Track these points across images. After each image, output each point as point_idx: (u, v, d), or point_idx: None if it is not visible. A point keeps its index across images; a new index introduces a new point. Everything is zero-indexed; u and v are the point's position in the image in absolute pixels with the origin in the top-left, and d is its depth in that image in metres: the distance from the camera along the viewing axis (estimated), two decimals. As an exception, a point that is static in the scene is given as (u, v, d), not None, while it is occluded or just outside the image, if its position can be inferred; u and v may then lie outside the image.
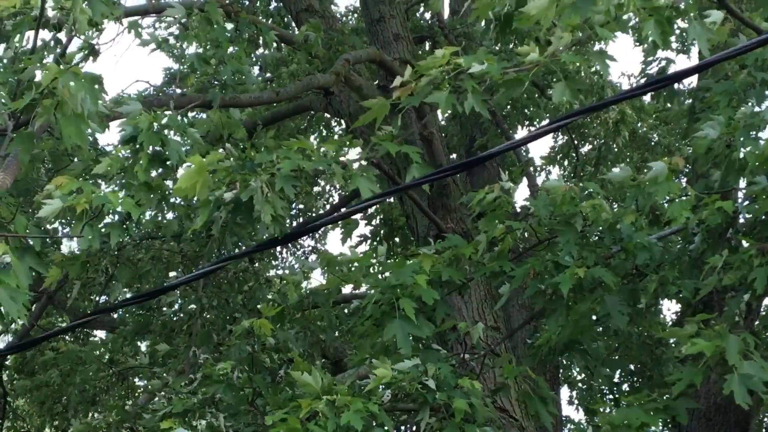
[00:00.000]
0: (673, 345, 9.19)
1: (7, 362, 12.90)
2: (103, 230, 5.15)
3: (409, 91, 5.67)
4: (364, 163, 5.97)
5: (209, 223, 5.81)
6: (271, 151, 5.92)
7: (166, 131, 5.83)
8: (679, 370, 5.63)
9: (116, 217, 5.19)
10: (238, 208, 5.63)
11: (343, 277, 6.92)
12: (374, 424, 5.47)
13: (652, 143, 13.78)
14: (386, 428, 5.48)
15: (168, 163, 5.90)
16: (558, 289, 5.65)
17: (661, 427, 5.89)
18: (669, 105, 13.20)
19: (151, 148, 5.82)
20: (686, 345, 5.33)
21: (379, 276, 6.42)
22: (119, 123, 5.87)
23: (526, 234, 6.58)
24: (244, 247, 10.50)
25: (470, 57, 5.52)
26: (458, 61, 5.56)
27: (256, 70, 12.27)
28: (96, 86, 5.24)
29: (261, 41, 9.16)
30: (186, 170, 5.56)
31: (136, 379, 12.70)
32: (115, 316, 12.94)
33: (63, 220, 12.31)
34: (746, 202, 6.34)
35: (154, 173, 6.06)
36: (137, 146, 5.78)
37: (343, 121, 12.58)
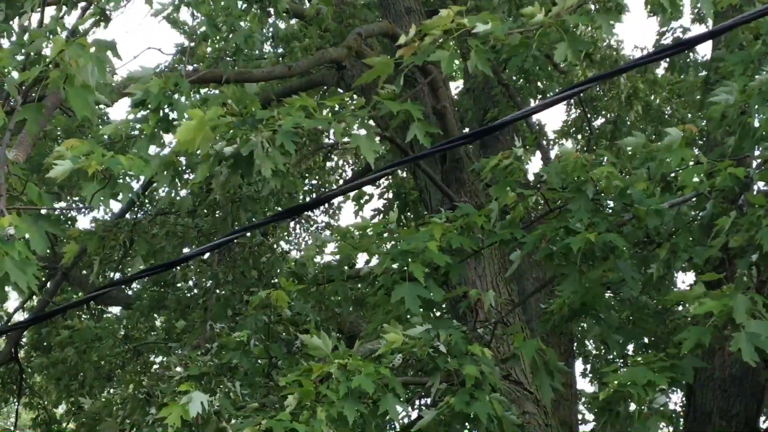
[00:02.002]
0: (684, 313, 9.20)
1: (23, 340, 12.98)
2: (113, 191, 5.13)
3: (412, 50, 5.63)
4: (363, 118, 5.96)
5: (210, 178, 5.81)
6: (273, 108, 5.92)
7: (176, 96, 5.82)
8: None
9: (127, 179, 5.18)
10: (238, 163, 5.64)
11: (355, 245, 6.92)
12: (387, 390, 5.48)
13: (666, 116, 13.72)
14: (397, 392, 5.49)
15: (175, 123, 5.89)
16: (570, 252, 5.64)
17: (671, 390, 5.86)
18: (682, 77, 13.18)
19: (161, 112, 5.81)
20: (694, 306, 5.33)
21: (391, 244, 6.42)
22: (130, 87, 5.87)
23: (538, 201, 6.55)
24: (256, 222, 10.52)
25: (474, 17, 5.48)
26: (462, 21, 5.52)
27: (267, 47, 12.24)
28: (109, 53, 5.22)
29: (273, 11, 9.14)
30: (185, 123, 5.56)
31: (152, 355, 12.75)
32: (130, 292, 13.00)
33: (76, 198, 12.37)
34: (759, 170, 6.31)
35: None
36: (147, 108, 5.78)
37: (355, 96, 12.56)
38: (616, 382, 5.59)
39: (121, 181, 5.04)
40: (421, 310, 5.84)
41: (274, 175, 5.51)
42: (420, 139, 5.89)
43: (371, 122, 6.15)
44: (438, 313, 6.51)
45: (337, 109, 6.07)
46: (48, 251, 12.11)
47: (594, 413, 5.94)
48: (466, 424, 5.76)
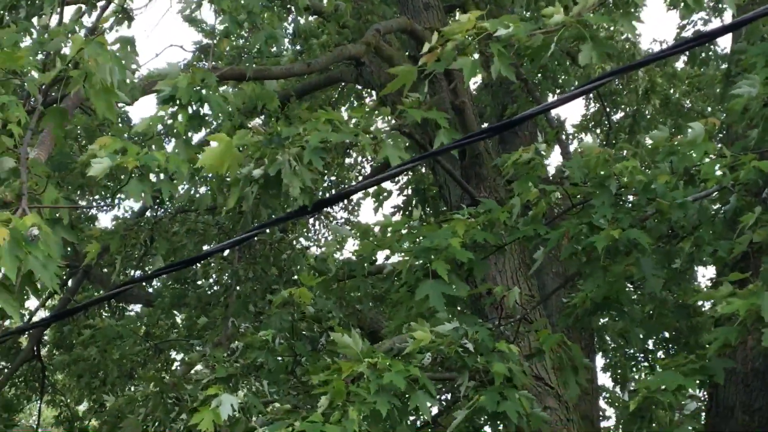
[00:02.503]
0: (708, 313, 9.16)
1: (45, 337, 13.03)
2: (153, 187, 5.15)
3: (435, 57, 5.65)
4: (392, 131, 5.97)
5: (241, 200, 5.83)
6: (302, 122, 5.93)
7: (204, 91, 5.83)
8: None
9: (162, 176, 5.20)
10: (268, 183, 5.66)
11: (378, 242, 6.92)
12: (416, 387, 5.48)
13: (686, 110, 13.68)
14: (428, 390, 5.49)
15: (208, 119, 5.91)
16: (593, 250, 5.63)
17: (698, 392, 5.84)
18: (702, 70, 13.13)
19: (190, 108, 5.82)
20: (721, 305, 5.31)
21: (414, 242, 6.42)
22: (158, 84, 5.88)
23: (559, 196, 6.54)
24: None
25: (496, 21, 5.49)
26: (484, 24, 5.53)
27: (287, 43, 12.26)
28: (128, 48, 5.24)
29: (293, 8, 9.16)
30: (210, 148, 5.59)
31: (173, 352, 12.80)
32: (151, 290, 13.04)
33: (98, 196, 12.43)
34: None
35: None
36: (176, 104, 5.78)
37: (374, 92, 12.57)
38: (645, 388, 5.56)
39: (161, 177, 5.06)
40: (445, 306, 5.83)
41: (303, 192, 5.52)
42: (445, 142, 5.90)
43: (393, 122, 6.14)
44: (459, 309, 6.48)
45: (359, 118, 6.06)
46: (69, 249, 12.17)
47: (624, 421, 5.90)
48: (496, 421, 5.76)
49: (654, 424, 5.68)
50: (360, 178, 15.01)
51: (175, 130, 5.77)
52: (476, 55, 5.52)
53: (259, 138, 5.72)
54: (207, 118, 5.88)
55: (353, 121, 6.03)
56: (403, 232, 6.70)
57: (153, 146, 6.25)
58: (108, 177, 10.63)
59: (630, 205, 6.21)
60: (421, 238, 6.16)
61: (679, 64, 13.79)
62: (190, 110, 5.79)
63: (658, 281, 5.83)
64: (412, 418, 6.29)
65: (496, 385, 5.66)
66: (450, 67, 5.62)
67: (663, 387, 5.54)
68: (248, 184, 5.76)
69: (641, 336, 6.36)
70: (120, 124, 11.18)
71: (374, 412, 5.25)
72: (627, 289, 6.17)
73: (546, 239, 6.11)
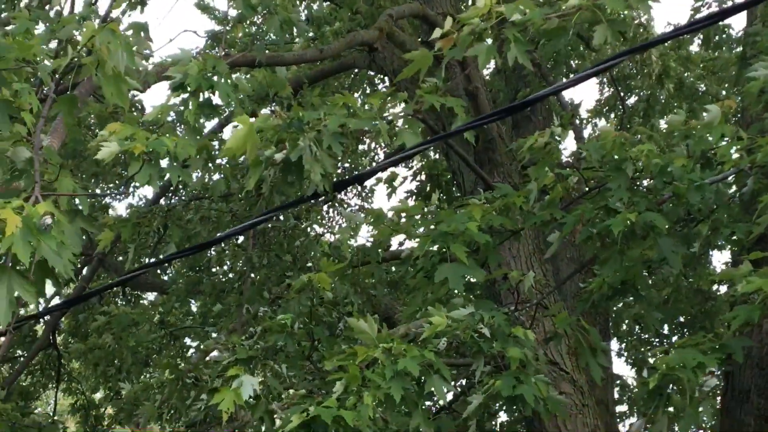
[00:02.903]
0: (723, 297, 9.13)
1: (60, 326, 13.07)
2: (161, 172, 5.15)
3: (451, 43, 5.62)
4: (408, 116, 5.95)
5: (259, 182, 5.82)
6: (317, 108, 5.91)
7: (215, 78, 5.81)
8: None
9: (171, 162, 5.19)
10: (288, 168, 5.64)
11: (394, 227, 6.91)
12: (432, 372, 5.47)
13: (700, 93, 13.63)
14: (443, 375, 5.48)
15: (217, 107, 5.90)
16: (609, 233, 5.61)
17: (716, 371, 5.80)
18: (717, 53, 13.06)
19: (201, 96, 5.81)
20: (741, 284, 5.28)
21: (430, 226, 6.40)
22: (169, 70, 5.86)
23: (575, 180, 6.51)
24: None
25: (511, 5, 5.45)
26: (500, 9, 5.50)
27: (303, 26, 12.24)
28: (141, 34, 5.22)
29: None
30: (234, 131, 5.58)
31: (187, 339, 12.83)
32: (165, 278, 13.06)
33: (112, 185, 12.44)
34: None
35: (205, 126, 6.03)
36: (187, 92, 5.77)
37: (386, 78, 12.54)
38: (665, 365, 5.54)
39: (168, 162, 5.06)
40: (464, 291, 5.83)
41: (323, 178, 5.52)
42: (465, 134, 5.88)
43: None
44: (475, 295, 6.47)
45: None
46: (84, 237, 12.20)
47: (642, 399, 5.84)
48: (512, 406, 5.75)
49: (671, 408, 5.63)
50: (374, 164, 15.00)
51: (184, 118, 5.76)
52: (490, 41, 5.48)
53: (278, 122, 5.70)
54: (218, 106, 5.88)
55: (366, 107, 6.00)
56: (418, 217, 6.69)
57: (166, 135, 6.24)
58: (121, 165, 10.64)
59: (646, 188, 6.19)
60: (437, 223, 6.13)
61: (694, 48, 13.74)
62: (200, 98, 5.78)
63: (677, 260, 5.80)
64: (427, 403, 6.29)
65: (512, 369, 5.64)
66: (465, 54, 5.59)
67: (682, 365, 5.52)
68: (268, 167, 5.74)
69: (659, 318, 6.30)
70: (134, 113, 11.17)
71: (389, 398, 5.25)
72: (644, 273, 6.15)
73: (562, 224, 6.09)
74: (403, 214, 6.84)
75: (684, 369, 5.40)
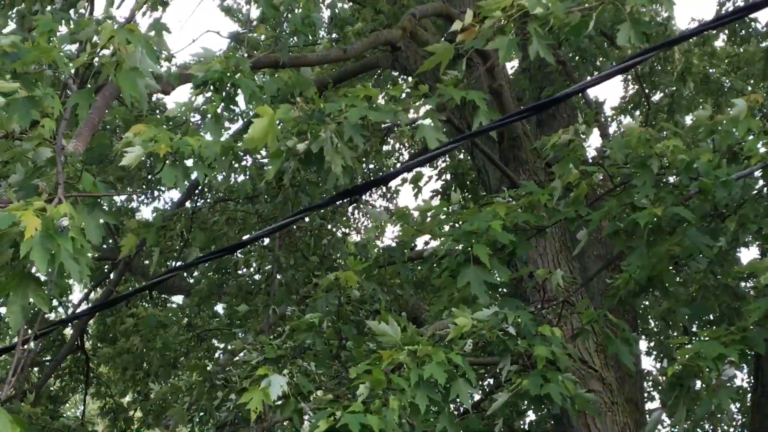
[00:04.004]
0: (751, 293, 9.05)
1: (88, 330, 13.13)
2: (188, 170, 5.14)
3: (472, 35, 5.60)
4: (429, 107, 5.93)
5: (280, 173, 5.82)
6: (338, 100, 5.91)
7: (237, 76, 5.82)
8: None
9: (199, 161, 5.19)
10: (309, 159, 5.64)
11: (419, 227, 6.89)
12: (458, 374, 5.45)
13: (725, 89, 13.54)
14: (469, 379, 5.46)
15: (239, 102, 5.90)
16: (636, 227, 5.58)
17: (739, 362, 5.75)
18: (742, 48, 12.97)
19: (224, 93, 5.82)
20: (764, 276, 5.24)
21: (455, 225, 6.38)
22: (192, 68, 5.87)
23: (600, 177, 6.48)
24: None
25: (534, 0, 5.42)
26: (522, 2, 5.48)
27: (323, 26, 12.24)
28: (161, 34, 5.22)
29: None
30: (255, 122, 5.57)
31: (215, 341, 12.85)
32: (191, 280, 13.09)
33: (139, 190, 12.47)
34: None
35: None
36: (210, 89, 5.78)
37: (410, 78, 12.53)
38: (686, 356, 5.50)
39: (194, 162, 5.06)
40: (487, 293, 5.80)
41: (344, 170, 5.51)
42: (484, 122, 5.86)
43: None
44: (501, 293, 6.44)
45: (402, 97, 6.03)
46: (110, 241, 12.25)
47: (663, 389, 5.82)
48: (540, 404, 5.73)
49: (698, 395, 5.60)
50: (398, 165, 14.99)
51: (209, 115, 5.77)
52: (513, 35, 5.46)
53: (299, 113, 5.70)
54: (241, 106, 5.89)
55: (387, 99, 5.99)
56: (442, 217, 6.67)
57: (203, 132, 6.26)
58: (147, 169, 10.65)
59: (672, 185, 6.15)
60: (461, 222, 6.12)
61: (719, 43, 13.65)
62: (222, 93, 5.79)
63: (708, 252, 5.76)
64: (453, 404, 6.27)
65: (539, 368, 5.62)
66: (486, 48, 5.57)
67: (703, 355, 5.48)
68: (289, 158, 5.74)
69: (687, 317, 6.27)
70: (158, 114, 11.20)
71: (413, 406, 5.24)
72: (669, 268, 6.11)
73: (587, 221, 6.06)
74: (428, 214, 6.82)
75: (704, 359, 5.37)
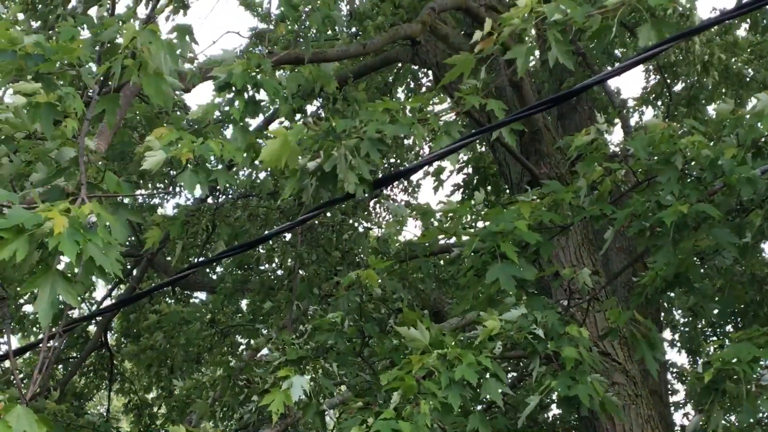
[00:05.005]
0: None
1: (112, 326, 13.18)
2: (209, 177, 5.15)
3: (491, 43, 5.62)
4: (450, 117, 5.93)
5: (299, 191, 5.84)
6: (359, 107, 5.91)
7: (259, 76, 5.83)
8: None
9: (219, 165, 5.20)
10: (324, 177, 5.66)
11: (442, 229, 6.89)
12: (487, 376, 5.46)
13: (747, 79, 13.46)
14: (500, 378, 5.46)
15: (263, 103, 5.90)
16: (662, 224, 5.56)
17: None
18: (765, 37, 12.88)
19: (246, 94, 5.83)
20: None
21: (478, 224, 6.38)
22: (214, 71, 5.88)
23: (624, 173, 6.46)
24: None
25: (552, 5, 5.43)
26: (541, 9, 5.49)
27: (344, 22, 12.23)
28: (186, 37, 5.23)
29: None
30: (269, 143, 5.59)
31: (238, 336, 12.87)
32: (215, 276, 13.11)
33: (161, 185, 12.51)
34: None
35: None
36: (233, 90, 5.79)
37: (430, 72, 12.51)
38: (719, 360, 5.48)
39: (218, 167, 5.06)
40: (516, 287, 5.80)
41: (360, 184, 5.52)
42: (505, 135, 5.87)
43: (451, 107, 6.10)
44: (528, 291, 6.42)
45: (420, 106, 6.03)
46: (132, 238, 12.28)
47: (697, 394, 5.79)
48: (568, 406, 5.72)
49: (734, 400, 5.58)
50: (419, 159, 14.96)
51: (231, 117, 5.77)
52: (533, 37, 5.46)
53: (314, 131, 5.72)
54: (263, 103, 5.88)
55: (408, 109, 5.99)
56: (467, 218, 6.67)
57: (211, 134, 6.26)
58: (169, 165, 10.67)
59: (697, 179, 6.12)
60: (485, 221, 6.11)
61: (741, 32, 13.56)
62: (245, 96, 5.79)
63: (733, 249, 5.74)
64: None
65: (567, 369, 5.61)
66: (504, 57, 5.60)
67: (737, 359, 5.46)
68: (305, 177, 5.76)
69: (715, 312, 6.24)
70: (178, 112, 11.21)
71: (445, 405, 5.25)
72: (695, 264, 6.08)
73: (613, 219, 6.05)
74: (453, 214, 6.82)
75: (739, 363, 5.35)
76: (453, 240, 7.24)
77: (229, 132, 6.60)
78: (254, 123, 11.72)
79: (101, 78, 5.24)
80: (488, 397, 5.54)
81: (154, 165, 4.98)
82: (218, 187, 11.79)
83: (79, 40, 5.07)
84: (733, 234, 5.83)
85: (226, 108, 5.81)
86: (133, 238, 12.43)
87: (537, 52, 13.03)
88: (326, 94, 9.45)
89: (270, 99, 5.98)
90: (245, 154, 6.93)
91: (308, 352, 6.97)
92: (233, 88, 5.77)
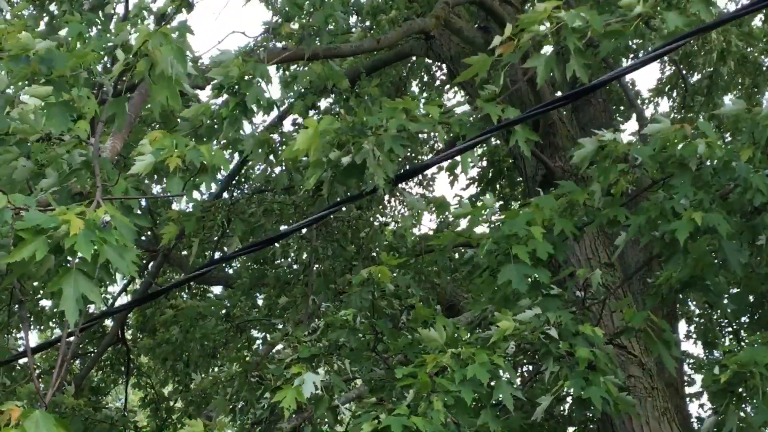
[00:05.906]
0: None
1: (129, 321, 13.21)
2: (195, 181, 5.17)
3: (511, 49, 5.63)
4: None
5: (319, 183, 5.85)
6: (376, 103, 5.93)
7: (254, 80, 5.86)
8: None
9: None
10: (349, 171, 5.66)
11: (457, 233, 6.89)
12: (500, 373, 5.47)
13: (764, 68, 13.38)
14: (511, 380, 5.48)
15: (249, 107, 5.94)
16: (674, 232, 5.55)
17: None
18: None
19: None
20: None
21: (492, 226, 6.39)
22: (211, 72, 5.91)
23: (638, 175, 6.44)
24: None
25: (572, 12, 5.43)
26: (560, 15, 5.49)
27: (350, 19, 12.20)
28: (185, 37, 5.24)
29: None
30: (302, 132, 5.61)
31: (254, 331, 12.89)
32: (230, 271, 13.13)
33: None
34: None
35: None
36: (227, 92, 5.83)
37: (444, 66, 12.48)
38: (736, 363, 5.48)
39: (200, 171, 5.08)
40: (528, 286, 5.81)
41: (386, 182, 5.54)
42: (521, 145, 5.89)
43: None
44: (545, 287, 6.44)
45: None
46: (149, 233, 12.31)
47: (713, 396, 5.80)
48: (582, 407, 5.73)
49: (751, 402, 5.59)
50: (434, 152, 14.93)
51: (224, 118, 5.82)
52: (549, 48, 5.47)
53: (340, 125, 5.73)
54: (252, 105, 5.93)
55: (423, 110, 6.01)
56: (483, 218, 6.68)
57: (204, 138, 6.28)
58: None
59: (711, 179, 6.09)
60: (500, 223, 6.12)
61: (756, 22, 13.47)
62: (237, 98, 5.85)
63: (739, 266, 5.72)
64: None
65: (581, 369, 5.62)
66: (523, 66, 5.62)
67: (754, 362, 5.46)
68: (329, 168, 5.78)
69: (729, 310, 6.22)
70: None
71: (459, 401, 5.26)
72: (712, 263, 6.05)
73: (627, 225, 6.05)
74: (468, 217, 6.82)
75: (756, 365, 5.34)
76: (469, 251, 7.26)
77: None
78: (268, 119, 11.74)
79: (114, 79, 5.26)
80: (501, 397, 5.56)
81: (141, 169, 5.00)
82: (233, 181, 11.82)
83: (92, 42, 5.08)
84: (745, 239, 5.80)
85: (218, 108, 5.88)
86: (149, 233, 12.46)
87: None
88: (338, 90, 9.45)
89: (251, 105, 6.03)
90: (260, 150, 6.96)
91: (321, 350, 6.99)
92: (227, 91, 5.84)
